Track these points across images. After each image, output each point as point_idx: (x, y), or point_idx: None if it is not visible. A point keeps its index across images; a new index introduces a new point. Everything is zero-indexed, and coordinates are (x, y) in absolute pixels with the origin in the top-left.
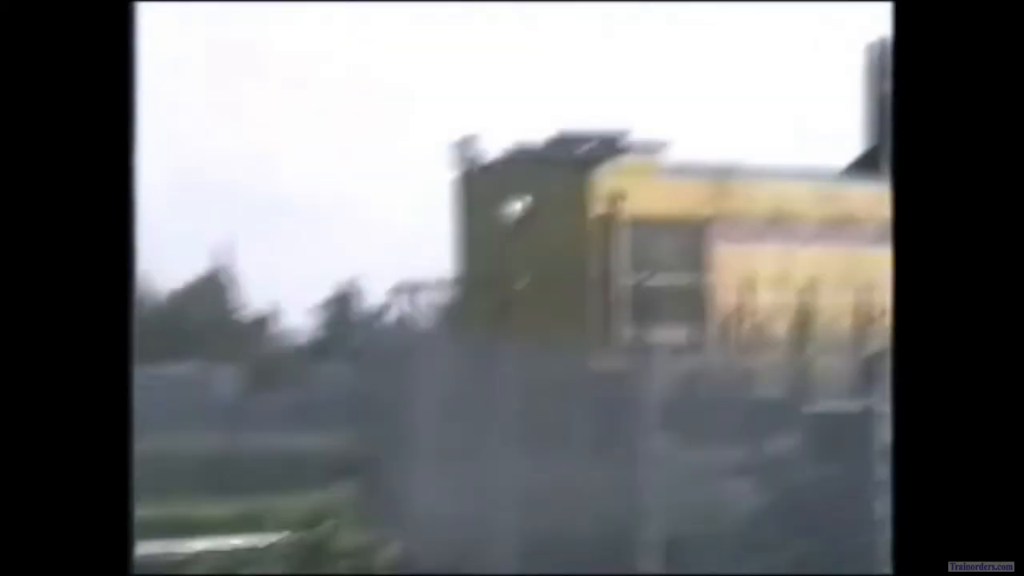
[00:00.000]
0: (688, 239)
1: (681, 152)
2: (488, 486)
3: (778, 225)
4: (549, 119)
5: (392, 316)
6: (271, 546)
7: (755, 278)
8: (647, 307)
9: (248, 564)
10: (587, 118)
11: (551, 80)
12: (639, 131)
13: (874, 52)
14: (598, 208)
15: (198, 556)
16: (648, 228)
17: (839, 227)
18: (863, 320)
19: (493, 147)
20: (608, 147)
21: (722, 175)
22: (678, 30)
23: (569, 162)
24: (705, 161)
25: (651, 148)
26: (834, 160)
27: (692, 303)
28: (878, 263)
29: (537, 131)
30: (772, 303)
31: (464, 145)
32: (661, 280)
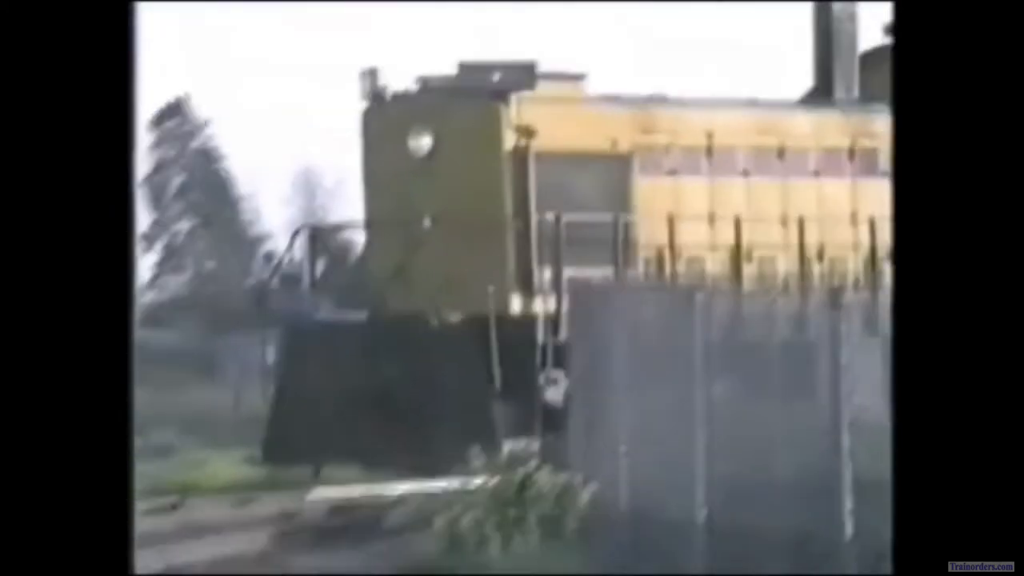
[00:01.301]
0: (610, 172)
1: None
2: (681, 431)
3: (710, 156)
4: (466, 52)
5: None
6: (476, 488)
7: (677, 214)
8: (574, 248)
9: (451, 506)
10: (507, 50)
11: (479, 13)
12: (572, 63)
13: None
14: (510, 141)
15: (402, 499)
16: (565, 161)
17: (775, 159)
18: (800, 256)
19: (402, 79)
20: (520, 76)
21: (643, 105)
22: None
23: (480, 93)
24: (633, 92)
25: (568, 78)
26: (787, 92)
27: (615, 242)
28: (820, 195)
29: (450, 62)
30: (701, 239)
31: (367, 78)
32: (582, 216)
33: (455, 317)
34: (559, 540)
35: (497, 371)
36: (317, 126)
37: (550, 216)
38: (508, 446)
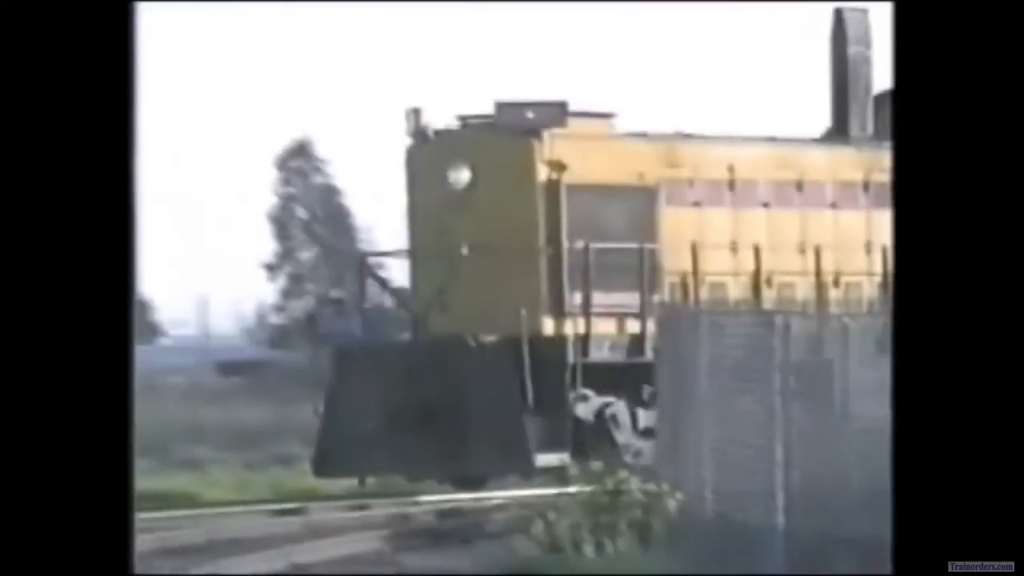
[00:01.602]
0: (638, 203)
1: (666, 123)
2: (758, 444)
3: (732, 189)
4: (501, 90)
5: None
6: (574, 495)
7: (705, 241)
8: (604, 273)
9: (552, 510)
10: (532, 90)
11: (513, 55)
12: (596, 102)
13: (836, 21)
14: (543, 174)
15: (505, 504)
16: (595, 194)
17: (794, 191)
18: (818, 282)
19: (442, 118)
20: (553, 115)
21: (669, 140)
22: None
23: (515, 129)
24: (660, 129)
25: (599, 117)
26: (806, 131)
27: (642, 268)
28: (836, 225)
29: (486, 101)
30: (724, 266)
31: (412, 116)
32: (611, 246)
33: (491, 338)
34: (648, 544)
35: (530, 389)
36: None
37: (580, 244)
38: (540, 460)
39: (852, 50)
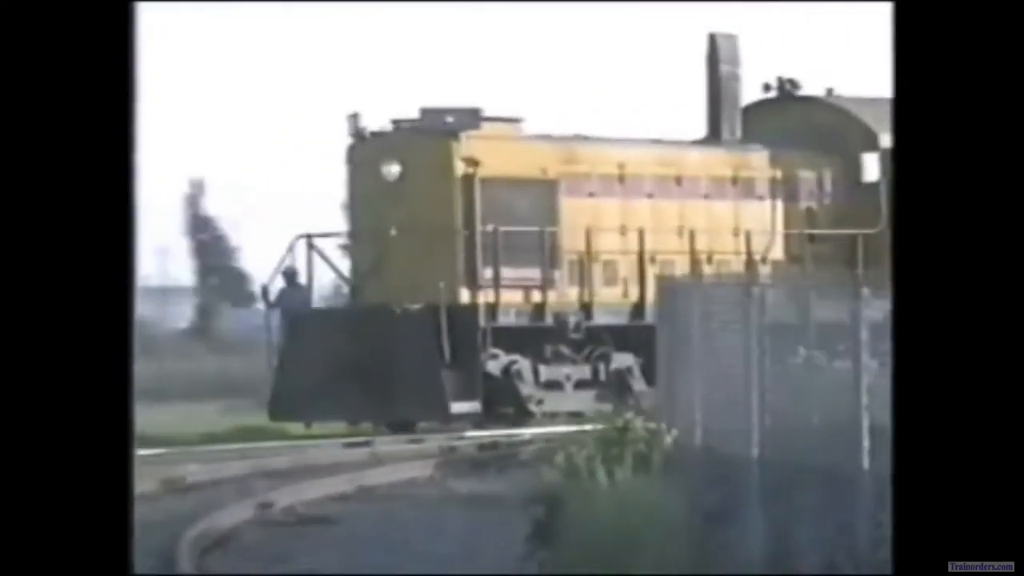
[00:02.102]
0: (541, 194)
1: (556, 126)
2: (740, 391)
3: (622, 182)
4: (424, 98)
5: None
6: (590, 432)
7: (595, 227)
8: (511, 252)
9: (571, 444)
10: (455, 96)
11: (433, 65)
12: (508, 108)
13: (710, 44)
14: (459, 169)
15: (532, 439)
16: (504, 185)
17: (674, 184)
18: (693, 260)
19: (376, 120)
20: (468, 119)
21: (567, 142)
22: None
23: (436, 132)
24: (562, 131)
25: (508, 120)
26: (686, 135)
27: (544, 248)
28: (709, 213)
29: (412, 107)
30: (610, 249)
31: (351, 120)
32: (516, 229)
33: (415, 307)
34: (649, 470)
35: (447, 348)
36: None
37: (490, 228)
38: (455, 407)
39: (723, 69)
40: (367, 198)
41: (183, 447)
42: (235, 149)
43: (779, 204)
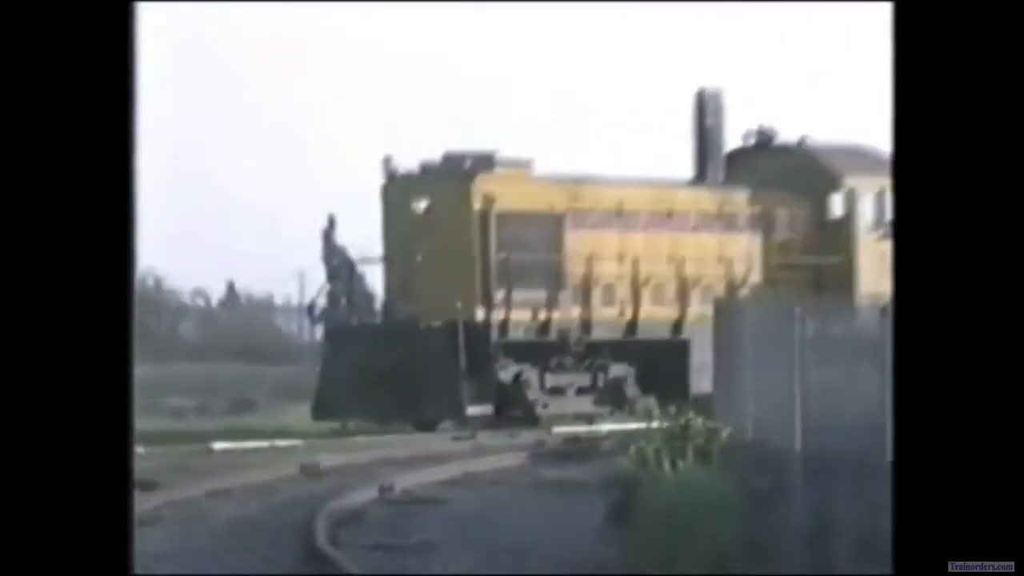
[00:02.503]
0: (547, 227)
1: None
2: (783, 393)
3: (620, 216)
4: (452, 141)
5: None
6: (657, 429)
7: (597, 255)
8: (521, 277)
9: (642, 438)
10: (475, 141)
11: (457, 112)
12: (519, 151)
13: (697, 97)
14: (476, 205)
15: (609, 435)
16: (516, 219)
17: (666, 218)
18: (681, 284)
19: (406, 163)
20: (484, 162)
21: (574, 182)
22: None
23: (457, 173)
24: (564, 172)
25: (520, 163)
26: (676, 175)
27: (551, 273)
28: (696, 244)
29: (437, 150)
30: (609, 274)
31: (385, 163)
32: (526, 257)
33: (437, 322)
34: (708, 462)
35: (463, 359)
36: None
37: (503, 256)
38: (471, 410)
39: (709, 121)
40: (399, 229)
41: (316, 438)
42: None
43: (757, 237)
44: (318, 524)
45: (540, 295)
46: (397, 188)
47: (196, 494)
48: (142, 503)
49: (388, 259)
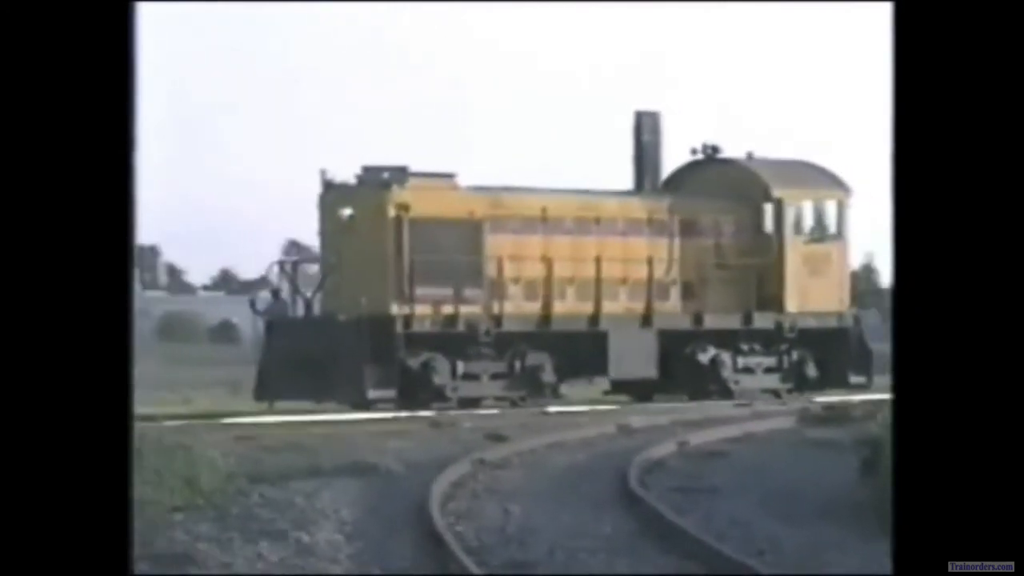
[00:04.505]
0: (466, 232)
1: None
2: None
3: (544, 222)
4: (386, 156)
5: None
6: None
7: (518, 257)
8: (430, 275)
9: (883, 407)
10: (414, 157)
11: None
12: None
13: (636, 117)
14: (391, 213)
15: (860, 404)
16: (434, 225)
17: (593, 224)
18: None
19: (338, 174)
20: (399, 175)
21: (494, 191)
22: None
23: (376, 183)
24: (487, 183)
25: (440, 176)
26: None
27: (469, 273)
28: (624, 247)
29: (363, 164)
30: (532, 274)
31: (321, 174)
32: (442, 257)
33: (354, 315)
34: None
35: (368, 347)
36: None
37: (418, 257)
38: (372, 394)
39: (645, 138)
40: (330, 233)
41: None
42: None
43: (688, 240)
44: (631, 470)
45: (447, 292)
46: (328, 196)
47: (538, 445)
48: (496, 452)
49: (322, 260)
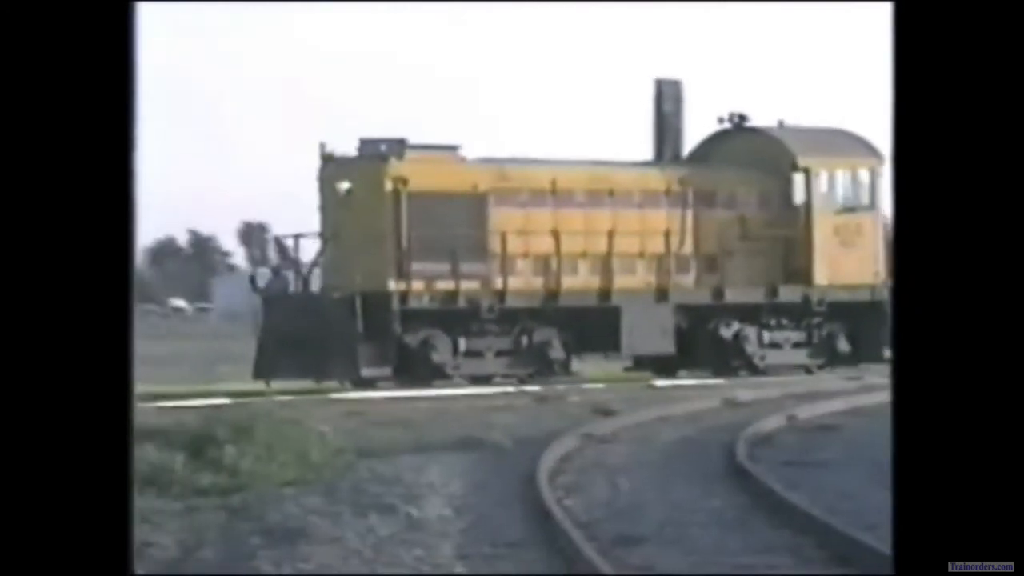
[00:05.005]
0: (469, 205)
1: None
2: None
3: (555, 195)
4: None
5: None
6: None
7: (525, 231)
8: (429, 250)
9: None
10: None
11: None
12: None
13: (656, 86)
14: (388, 187)
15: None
16: (434, 199)
17: (607, 197)
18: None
19: (337, 148)
20: (396, 147)
21: (501, 163)
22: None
23: (373, 156)
24: (493, 155)
25: (442, 148)
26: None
27: (472, 248)
28: (640, 219)
29: (367, 135)
30: (540, 249)
31: (320, 147)
32: (442, 232)
33: (349, 291)
34: None
35: (360, 323)
36: None
37: (415, 231)
38: (366, 372)
39: (666, 107)
40: (329, 208)
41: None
42: None
43: (710, 212)
44: (738, 444)
45: (445, 268)
46: (327, 170)
47: (646, 419)
48: (605, 426)
49: (321, 235)
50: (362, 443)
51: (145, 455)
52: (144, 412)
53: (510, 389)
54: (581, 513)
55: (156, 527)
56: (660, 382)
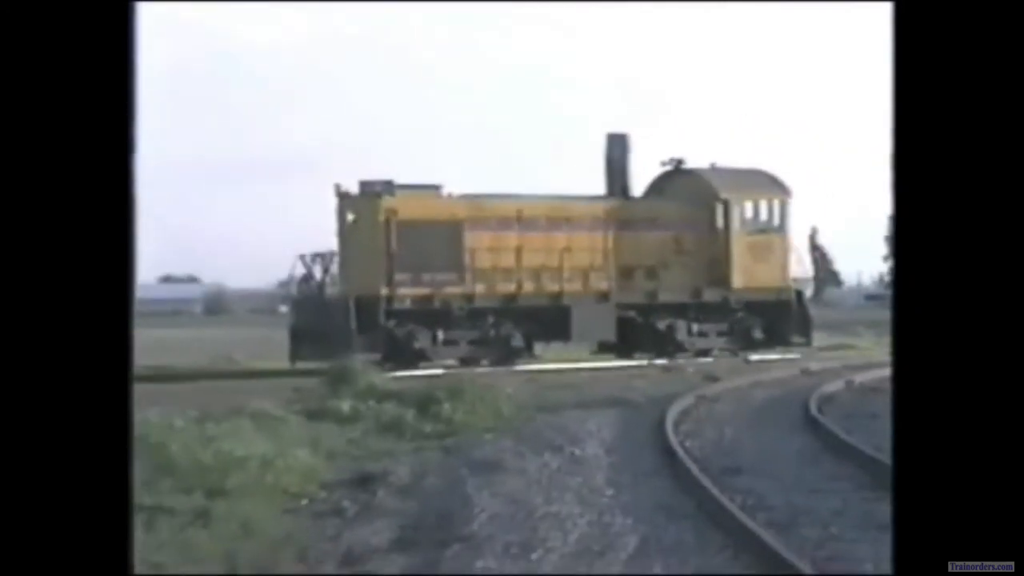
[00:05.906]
0: (448, 230)
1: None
2: None
3: (518, 223)
4: (395, 172)
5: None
6: None
7: (494, 248)
8: (411, 265)
9: None
10: (409, 171)
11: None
12: (437, 177)
13: (607, 138)
14: (381, 217)
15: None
16: (421, 226)
17: (563, 223)
18: (571, 269)
19: (350, 186)
20: (388, 187)
21: (476, 198)
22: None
23: (371, 194)
24: (470, 191)
25: (427, 187)
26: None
27: (448, 263)
28: (587, 240)
29: (373, 178)
30: (506, 263)
31: (336, 187)
32: (423, 250)
33: (352, 296)
34: None
35: (354, 320)
36: None
37: (401, 250)
38: (360, 357)
39: (614, 154)
40: (343, 233)
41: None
42: None
43: (648, 234)
44: (811, 402)
45: (427, 278)
46: (342, 204)
47: (743, 384)
48: (712, 389)
49: (340, 254)
50: (538, 401)
51: (386, 410)
52: (383, 380)
53: (644, 363)
54: (697, 452)
55: (395, 461)
56: (754, 356)
